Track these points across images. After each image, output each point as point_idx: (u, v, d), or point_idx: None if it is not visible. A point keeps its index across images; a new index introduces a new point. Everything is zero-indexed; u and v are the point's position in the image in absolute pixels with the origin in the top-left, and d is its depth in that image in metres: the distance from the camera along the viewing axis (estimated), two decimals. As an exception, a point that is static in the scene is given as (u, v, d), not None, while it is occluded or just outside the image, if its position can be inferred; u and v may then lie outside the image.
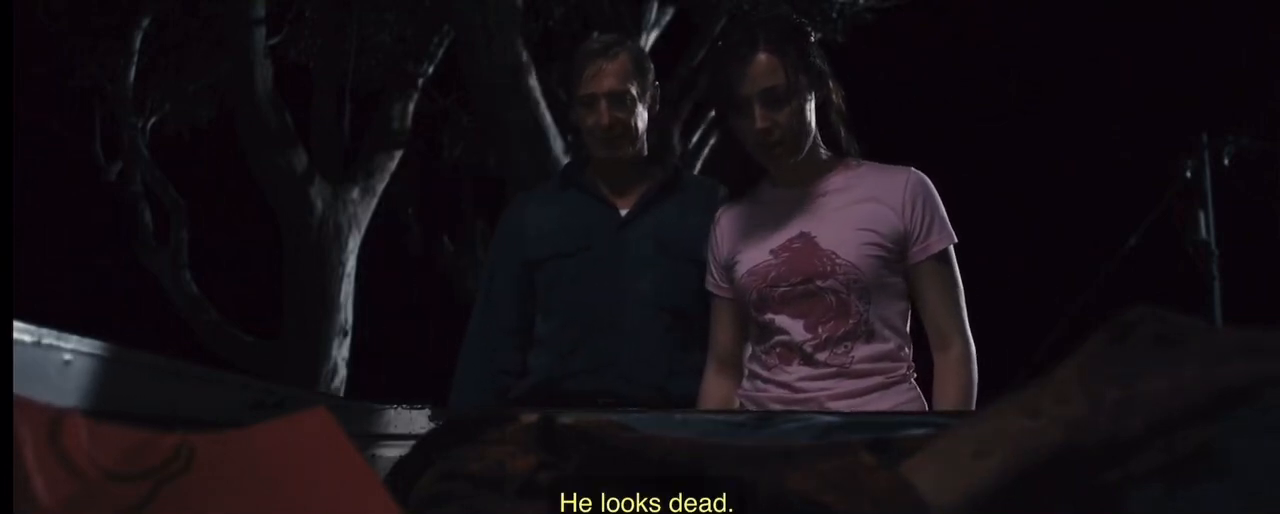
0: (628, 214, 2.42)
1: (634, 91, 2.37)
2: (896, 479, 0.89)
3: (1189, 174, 5.82)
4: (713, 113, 7.84)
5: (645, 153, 2.44)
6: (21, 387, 0.94)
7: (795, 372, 2.03)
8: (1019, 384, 0.98)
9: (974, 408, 2.02)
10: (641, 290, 2.35)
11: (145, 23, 8.90)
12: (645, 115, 2.41)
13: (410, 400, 1.80)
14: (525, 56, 5.51)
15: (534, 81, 5.49)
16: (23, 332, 1.08)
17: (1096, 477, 0.90)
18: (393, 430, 1.75)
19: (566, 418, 1.32)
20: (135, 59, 8.86)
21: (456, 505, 1.12)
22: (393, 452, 1.63)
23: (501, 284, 2.48)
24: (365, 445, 1.72)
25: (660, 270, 2.36)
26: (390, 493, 0.93)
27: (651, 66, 2.45)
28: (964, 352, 2.06)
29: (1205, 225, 5.84)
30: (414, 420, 1.75)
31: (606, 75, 2.36)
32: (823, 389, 2.01)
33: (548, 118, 5.50)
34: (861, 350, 2.01)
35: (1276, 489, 0.87)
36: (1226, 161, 5.89)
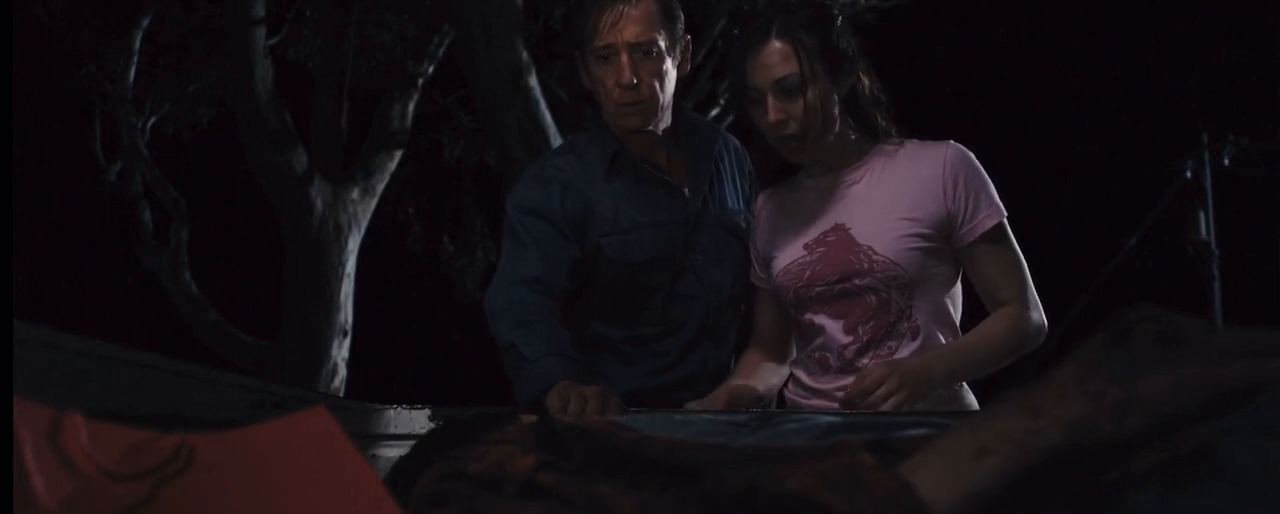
0: (695, 202, 2.09)
1: (662, 43, 1.98)
2: (896, 479, 0.89)
3: (1189, 174, 5.81)
4: (715, 112, 7.84)
5: (669, 120, 2.08)
6: (21, 387, 0.94)
7: (836, 381, 1.92)
8: (1019, 384, 0.98)
9: (999, 357, 1.90)
10: (724, 289, 2.11)
11: (145, 23, 8.89)
12: (674, 75, 2.03)
13: (410, 400, 1.79)
14: (525, 56, 5.51)
15: (534, 81, 5.49)
16: (23, 331, 1.08)
17: (1096, 477, 0.90)
18: (393, 430, 1.75)
19: (566, 419, 1.32)
20: (135, 59, 8.86)
21: (456, 506, 1.12)
22: (393, 452, 1.63)
23: (554, 275, 2.00)
24: (365, 445, 1.72)
25: (734, 261, 2.12)
26: (390, 493, 0.92)
27: (681, 15, 2.04)
28: (1018, 311, 1.90)
29: (1205, 225, 5.84)
30: (414, 420, 1.75)
31: (630, 21, 1.95)
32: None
33: (548, 118, 5.50)
34: (907, 350, 1.89)
35: (1275, 489, 0.87)
36: (1226, 162, 5.88)
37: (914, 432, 1.15)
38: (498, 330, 1.97)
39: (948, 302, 1.94)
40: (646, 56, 1.97)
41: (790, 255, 1.96)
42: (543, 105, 5.51)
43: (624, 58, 1.95)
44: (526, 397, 1.85)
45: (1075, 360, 0.96)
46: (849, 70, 1.92)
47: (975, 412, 1.90)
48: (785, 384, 2.07)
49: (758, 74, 1.88)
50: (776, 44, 1.87)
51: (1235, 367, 0.92)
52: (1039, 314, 1.92)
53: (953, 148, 1.93)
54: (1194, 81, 9.33)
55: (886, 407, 1.74)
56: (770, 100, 1.87)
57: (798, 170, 2.03)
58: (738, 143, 2.24)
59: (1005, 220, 1.91)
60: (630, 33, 1.95)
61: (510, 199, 2.12)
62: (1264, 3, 8.36)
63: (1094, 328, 0.99)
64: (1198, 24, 9.29)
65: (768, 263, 2.01)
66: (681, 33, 2.03)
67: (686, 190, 2.10)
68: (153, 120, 9.32)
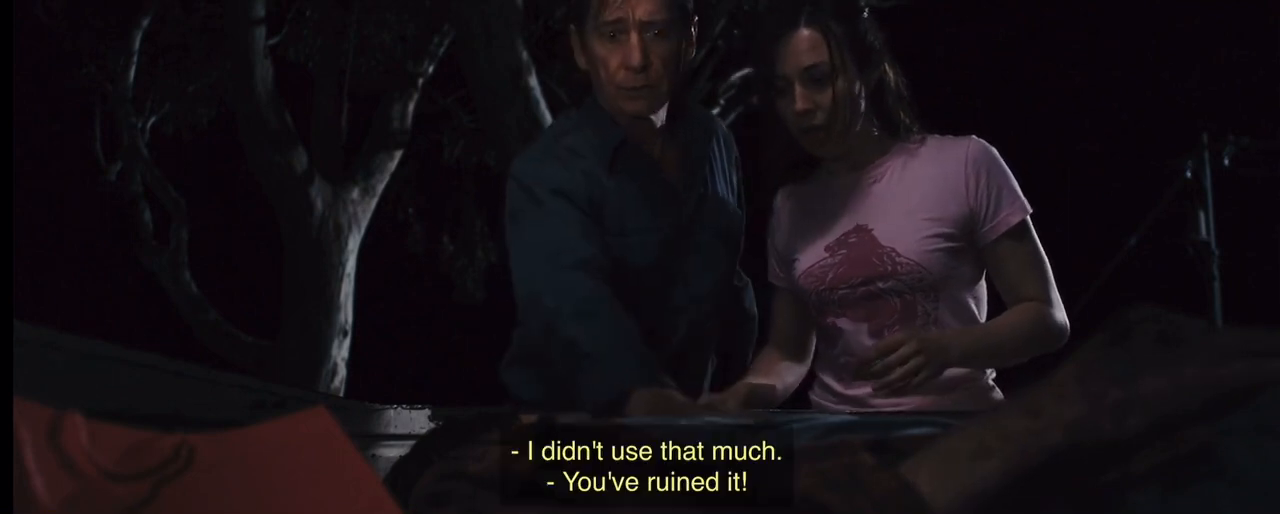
0: (691, 202, 1.97)
1: (675, 24, 1.84)
2: (896, 479, 0.89)
3: (1189, 174, 5.80)
4: (715, 111, 7.83)
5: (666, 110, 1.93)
6: (21, 387, 0.94)
7: (865, 387, 1.85)
8: (1019, 384, 0.98)
9: (1019, 346, 1.85)
10: (711, 298, 2.02)
11: (145, 23, 8.89)
12: (680, 60, 1.88)
13: (410, 400, 1.79)
14: (525, 56, 5.51)
15: (534, 81, 5.49)
16: (23, 331, 1.08)
17: (1096, 477, 0.90)
18: (393, 430, 1.75)
19: (567, 418, 1.32)
20: (135, 59, 8.86)
21: (456, 506, 1.12)
22: (393, 452, 1.64)
23: (601, 256, 1.83)
24: (365, 445, 1.72)
25: (722, 268, 2.03)
26: (390, 493, 0.92)
27: None
28: (1041, 306, 1.85)
29: (1205, 225, 5.83)
30: (414, 420, 1.75)
31: None
32: (895, 405, 1.84)
33: (548, 118, 5.50)
34: None
35: (1275, 489, 0.87)
36: (1226, 162, 5.86)
37: (914, 431, 1.15)
38: (551, 322, 1.76)
39: (971, 302, 1.91)
40: (658, 37, 1.81)
41: (812, 257, 1.91)
42: (543, 105, 5.51)
43: (634, 36, 1.80)
44: (591, 399, 1.68)
45: (1075, 360, 0.96)
46: (876, 63, 1.88)
47: (975, 412, 1.89)
48: (810, 388, 2.03)
49: (786, 62, 1.81)
50: (805, 32, 1.81)
51: (1235, 367, 0.92)
52: (1063, 313, 1.88)
53: (974, 143, 1.89)
54: (1194, 81, 9.33)
55: (907, 369, 1.69)
56: (798, 89, 1.81)
57: (816, 167, 1.98)
58: (725, 128, 2.14)
59: (1029, 217, 1.88)
60: (643, 9, 1.79)
61: (523, 172, 1.92)
62: (1264, 3, 8.36)
63: (1094, 328, 0.99)
64: (1198, 24, 9.29)
65: (789, 264, 1.96)
66: (692, 14, 1.89)
67: (681, 188, 1.98)
68: (153, 120, 9.32)
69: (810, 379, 2.07)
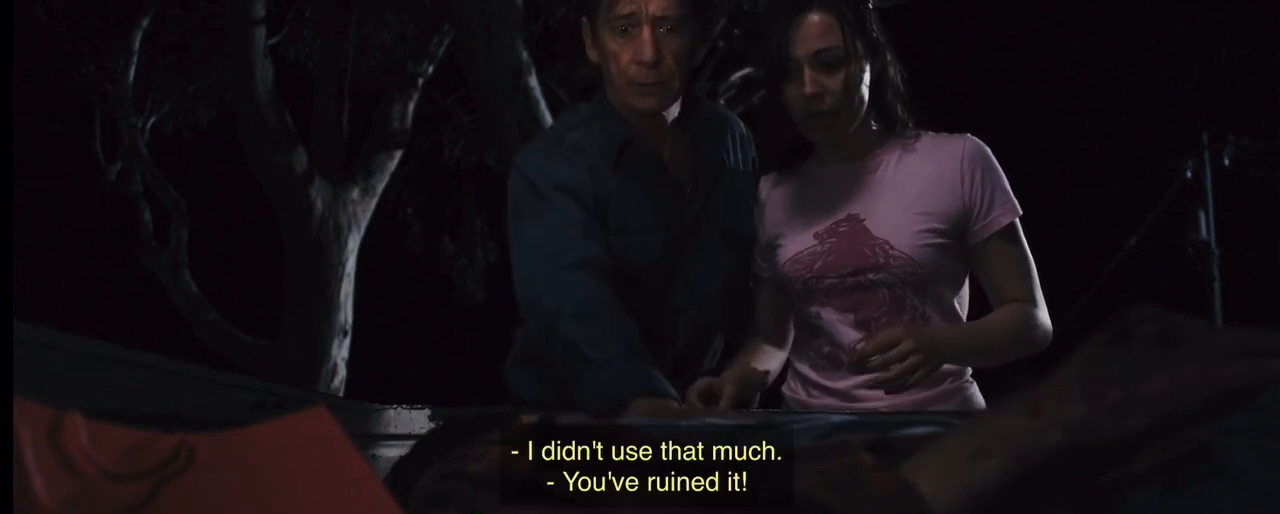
0: (696, 203, 1.94)
1: (687, 18, 1.80)
2: (896, 479, 0.89)
3: (1189, 174, 5.80)
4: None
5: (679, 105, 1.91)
6: (22, 387, 0.94)
7: (850, 379, 1.84)
8: (1019, 384, 0.98)
9: (1007, 346, 1.83)
10: (715, 301, 1.98)
11: (145, 23, 8.89)
12: (693, 55, 1.86)
13: (410, 400, 1.79)
14: (525, 56, 5.51)
15: (534, 81, 5.49)
16: (23, 331, 1.08)
17: (1096, 477, 0.90)
18: (393, 430, 1.75)
19: (567, 418, 1.32)
20: (135, 59, 8.86)
21: (456, 506, 1.12)
22: (393, 452, 1.64)
23: (605, 256, 1.80)
24: (365, 445, 1.72)
25: (728, 268, 1.99)
26: (390, 493, 0.93)
27: None
28: (1029, 308, 1.84)
29: (1205, 225, 5.82)
30: (414, 420, 1.75)
31: None
32: (879, 397, 1.82)
33: (548, 118, 5.49)
34: None
35: (1275, 489, 0.87)
36: (1226, 162, 5.86)
37: (914, 431, 1.15)
38: (551, 322, 1.73)
39: (956, 303, 1.90)
40: (670, 32, 1.78)
41: (800, 244, 1.88)
42: (543, 105, 5.51)
43: (646, 31, 1.77)
44: (590, 404, 1.66)
45: (1075, 360, 0.96)
46: (880, 54, 1.87)
47: (976, 412, 1.89)
48: (784, 381, 2.01)
49: (796, 45, 1.79)
50: (817, 16, 1.79)
51: (1235, 367, 0.92)
52: (1047, 317, 1.88)
53: (970, 141, 1.88)
54: (1194, 81, 9.33)
55: (905, 366, 1.66)
56: (807, 73, 1.79)
57: (807, 157, 1.96)
58: (743, 126, 2.12)
59: (1018, 219, 1.87)
60: (657, 4, 1.76)
61: (527, 165, 1.89)
62: (1264, 3, 8.36)
63: (1094, 328, 0.99)
64: (1198, 24, 9.29)
65: (772, 251, 1.93)
66: (704, 11, 1.86)
67: (688, 187, 1.96)
68: (153, 120, 9.32)
69: (782, 373, 2.04)
